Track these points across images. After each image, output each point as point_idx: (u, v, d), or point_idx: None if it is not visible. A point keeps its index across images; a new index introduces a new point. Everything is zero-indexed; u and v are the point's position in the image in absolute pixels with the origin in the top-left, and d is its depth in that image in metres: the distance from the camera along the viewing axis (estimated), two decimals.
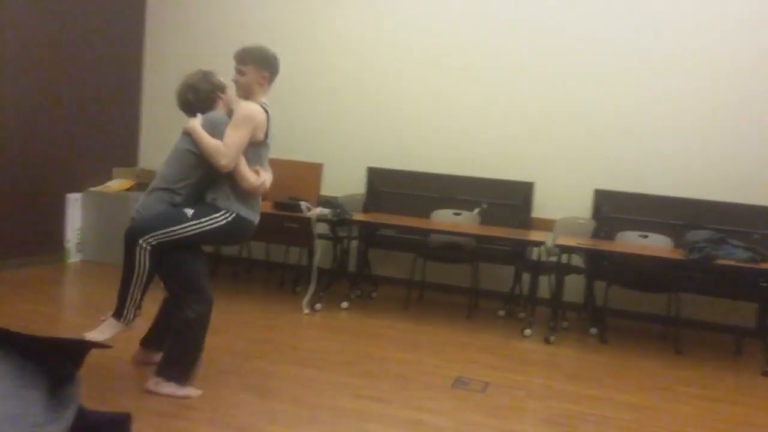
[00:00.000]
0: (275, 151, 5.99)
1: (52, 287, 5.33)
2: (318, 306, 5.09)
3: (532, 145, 5.81)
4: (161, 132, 6.72)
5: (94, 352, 1.79)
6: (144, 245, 3.08)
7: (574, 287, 5.39)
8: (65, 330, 4.33)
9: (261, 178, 3.30)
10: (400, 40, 6.11)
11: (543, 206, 5.71)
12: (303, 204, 5.22)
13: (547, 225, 5.37)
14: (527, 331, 4.87)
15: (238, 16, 6.52)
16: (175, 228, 3.10)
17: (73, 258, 6.05)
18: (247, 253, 6.34)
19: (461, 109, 5.99)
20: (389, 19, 6.14)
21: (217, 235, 3.23)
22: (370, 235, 5.77)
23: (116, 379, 3.35)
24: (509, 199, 5.72)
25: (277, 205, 5.29)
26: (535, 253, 5.35)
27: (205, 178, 3.24)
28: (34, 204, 5.68)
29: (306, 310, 5.00)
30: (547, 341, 4.72)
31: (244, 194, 3.24)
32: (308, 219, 5.12)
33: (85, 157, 6.17)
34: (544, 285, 5.31)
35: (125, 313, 3.21)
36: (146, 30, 6.79)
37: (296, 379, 3.56)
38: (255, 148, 3.30)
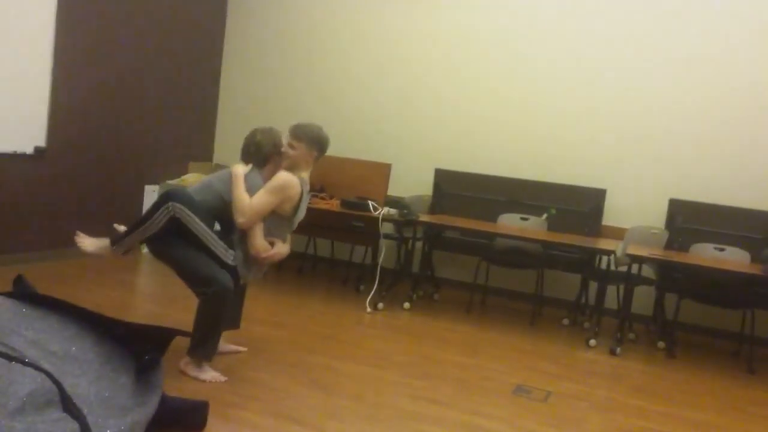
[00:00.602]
0: (346, 150, 6.15)
1: (126, 275, 5.55)
2: (380, 305, 5.12)
3: (605, 151, 5.68)
4: (236, 129, 6.90)
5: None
6: (171, 208, 3.19)
7: (643, 299, 5.24)
8: (136, 316, 4.51)
9: (272, 251, 3.43)
10: (471, 43, 6.08)
11: (614, 214, 5.58)
12: (370, 203, 5.27)
13: (617, 234, 5.25)
14: (592, 342, 4.77)
15: (316, 18, 6.63)
16: (199, 223, 3.23)
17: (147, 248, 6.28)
18: (313, 249, 6.44)
19: (532, 112, 5.91)
20: (461, 22, 6.12)
21: (210, 261, 3.30)
22: (435, 236, 5.77)
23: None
24: (579, 206, 5.61)
25: (345, 204, 5.36)
26: (603, 262, 5.24)
27: (219, 218, 3.42)
28: (114, 194, 5.94)
29: (368, 309, 5.05)
30: (612, 353, 4.61)
31: (250, 254, 3.39)
32: (375, 218, 5.17)
33: (163, 151, 6.41)
34: (612, 295, 5.19)
35: (119, 244, 3.44)
36: (226, 29, 6.99)
37: (357, 377, 3.60)
38: (279, 220, 3.42)
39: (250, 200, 3.30)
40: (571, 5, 5.79)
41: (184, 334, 1.68)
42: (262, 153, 3.54)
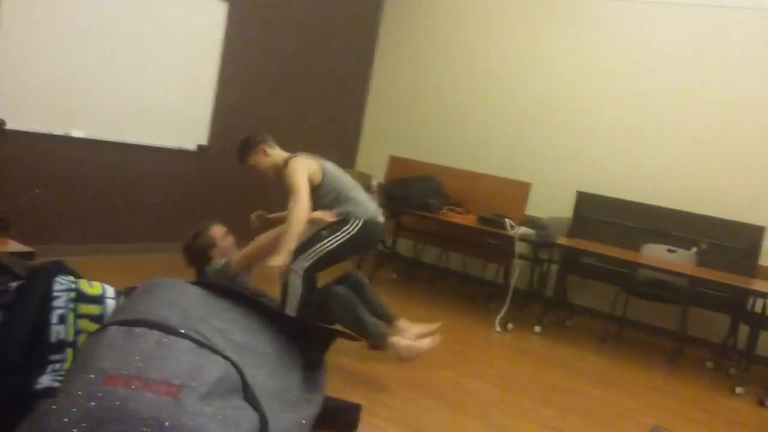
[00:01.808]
0: (486, 166, 6.13)
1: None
2: (510, 326, 5.05)
3: (766, 186, 5.26)
4: (379, 140, 7.11)
5: None
6: (296, 269, 3.47)
7: None
8: None
9: (318, 215, 3.64)
10: (620, 66, 5.87)
11: None
12: (507, 221, 5.21)
13: None
14: (739, 389, 4.42)
15: (464, 37, 6.68)
16: (316, 247, 3.51)
17: None
18: (445, 262, 6.47)
19: (683, 137, 5.60)
20: (613, 45, 5.92)
21: (354, 243, 3.58)
22: (571, 261, 5.60)
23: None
24: (733, 242, 5.24)
25: (481, 220, 5.34)
26: (758, 305, 4.85)
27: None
28: (260, 195, 6.29)
29: (498, 328, 4.99)
30: (761, 404, 4.25)
31: (362, 201, 3.69)
32: (511, 237, 5.10)
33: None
34: (764, 341, 4.79)
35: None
36: (378, 43, 7.21)
37: (485, 396, 3.57)
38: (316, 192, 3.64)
39: (293, 191, 3.51)
40: (734, 30, 5.43)
41: (347, 336, 1.76)
42: (199, 256, 3.82)
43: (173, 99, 5.31)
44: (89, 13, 4.63)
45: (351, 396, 3.21)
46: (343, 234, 3.56)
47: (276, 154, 3.79)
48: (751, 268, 5.15)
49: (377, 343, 3.50)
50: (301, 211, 3.44)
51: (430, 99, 6.86)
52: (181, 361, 1.52)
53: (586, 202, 5.87)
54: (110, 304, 2.30)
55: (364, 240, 3.66)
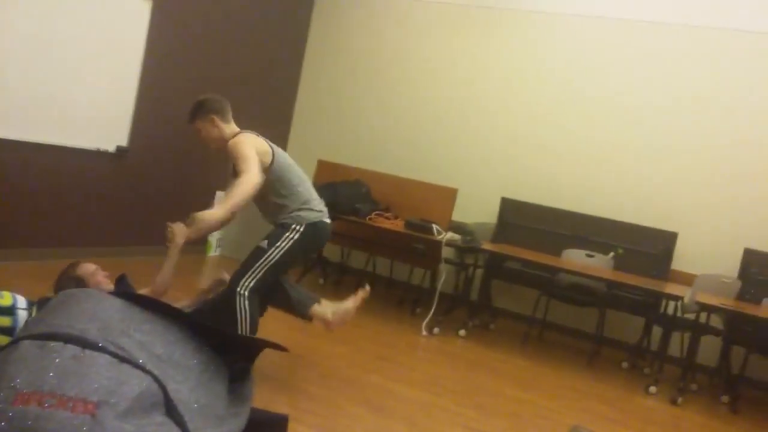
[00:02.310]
0: (414, 172, 6.19)
1: (191, 277, 5.70)
2: (436, 330, 5.11)
3: (680, 193, 5.54)
4: (308, 144, 7.06)
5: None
6: (242, 291, 3.30)
7: (709, 349, 5.06)
8: None
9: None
10: (545, 77, 6.05)
11: (685, 259, 5.42)
12: (434, 226, 5.27)
13: (686, 279, 5.10)
14: (652, 389, 4.62)
15: (392, 43, 6.73)
16: (259, 263, 3.32)
17: (214, 252, 6.45)
18: (372, 267, 6.48)
19: (603, 147, 5.83)
20: (530, 54, 6.10)
21: (299, 246, 3.38)
22: (496, 265, 5.73)
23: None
24: (648, 247, 5.48)
25: (409, 225, 5.38)
26: (670, 307, 5.09)
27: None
28: (186, 196, 6.14)
29: (424, 333, 5.04)
30: (673, 402, 4.46)
31: (307, 197, 3.45)
32: (437, 242, 5.17)
33: None
34: (676, 342, 5.03)
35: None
36: (306, 48, 7.16)
37: (411, 401, 3.59)
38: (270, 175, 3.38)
39: (240, 167, 3.25)
40: (646, 43, 5.69)
41: (274, 346, 1.72)
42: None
43: (92, 98, 5.10)
44: (2, 11, 4.39)
45: (277, 405, 3.17)
46: (285, 241, 3.35)
47: (226, 128, 3.46)
48: (664, 272, 5.40)
49: (301, 310, 3.54)
50: (252, 179, 3.14)
51: (358, 104, 6.87)
52: (100, 376, 1.45)
53: (509, 208, 6.01)
54: (22, 315, 2.19)
55: (309, 244, 3.47)
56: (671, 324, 4.96)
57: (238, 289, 3.30)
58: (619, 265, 5.40)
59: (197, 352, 1.65)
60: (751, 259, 5.19)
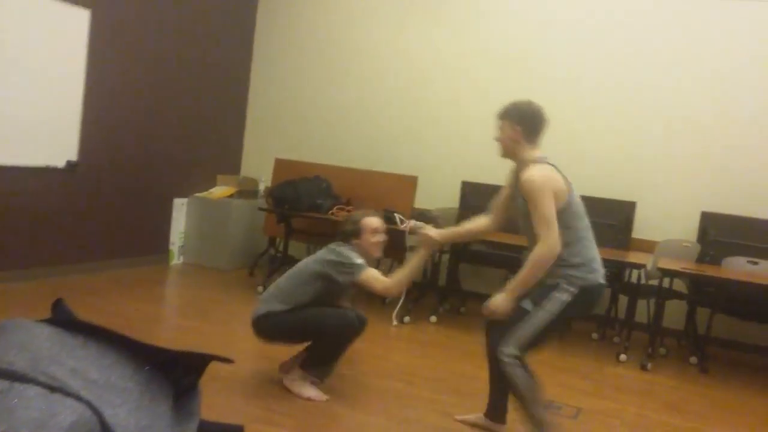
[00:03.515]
0: (372, 163, 6.16)
1: (156, 287, 5.61)
2: (407, 319, 5.11)
3: (635, 164, 5.62)
4: (264, 142, 6.98)
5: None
6: (505, 359, 2.87)
7: (674, 313, 5.15)
8: (167, 329, 4.56)
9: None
10: (497, 58, 6.07)
11: (645, 227, 5.51)
12: (397, 216, 5.26)
13: (648, 247, 5.18)
14: (622, 357, 4.70)
15: (342, 35, 6.67)
16: (524, 328, 2.85)
17: (177, 260, 6.35)
18: None
19: (558, 124, 5.85)
20: (487, 39, 6.11)
21: (569, 311, 2.85)
22: (461, 249, 5.74)
23: (219, 388, 3.48)
24: (608, 219, 5.54)
25: None
26: (634, 276, 5.17)
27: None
28: (144, 207, 6.02)
29: (395, 322, 5.03)
30: (643, 368, 4.53)
31: (590, 249, 2.91)
32: (401, 231, 5.15)
33: (192, 165, 6.48)
34: (642, 309, 5.12)
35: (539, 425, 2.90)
36: (254, 45, 7.06)
37: (385, 392, 3.59)
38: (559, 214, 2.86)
39: (536, 219, 2.83)
40: (598, 19, 5.75)
41: (221, 359, 1.68)
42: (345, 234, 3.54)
43: (35, 114, 4.95)
44: None
45: (250, 409, 3.13)
46: (555, 304, 2.82)
47: (526, 148, 3.00)
48: (626, 242, 5.48)
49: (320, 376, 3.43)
50: (549, 251, 2.74)
51: (311, 99, 6.81)
52: (30, 409, 1.39)
53: (471, 191, 6.03)
54: None
55: (581, 307, 2.92)
56: (636, 292, 5.04)
57: (500, 356, 2.88)
58: None
59: (136, 373, 1.60)
60: (708, 221, 5.30)
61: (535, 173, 2.85)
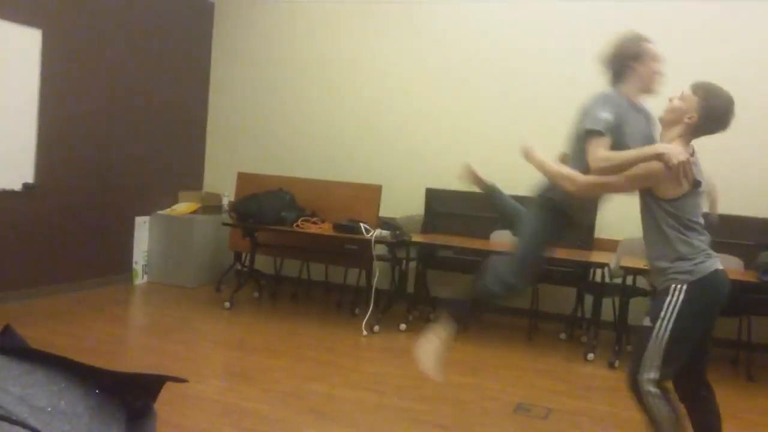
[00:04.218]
0: (336, 174, 6.15)
1: (120, 308, 5.51)
2: (377, 328, 5.10)
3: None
4: (226, 157, 6.92)
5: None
6: (645, 388, 2.51)
7: (639, 310, 5.23)
8: (132, 349, 4.48)
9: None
10: (456, 64, 6.12)
11: (607, 226, 5.58)
12: (362, 226, 5.26)
13: (611, 245, 5.25)
14: (590, 356, 4.75)
15: (301, 47, 6.67)
16: (648, 348, 2.50)
17: (141, 279, 6.25)
18: (307, 274, 6.42)
19: (522, 128, 5.94)
20: (448, 44, 6.16)
21: (694, 317, 2.48)
22: (428, 256, 5.76)
23: (187, 406, 3.43)
24: None
25: (337, 227, 5.35)
26: (598, 275, 5.24)
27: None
28: (105, 227, 5.91)
29: (365, 332, 5.02)
30: (611, 366, 4.59)
31: (700, 236, 2.53)
32: (368, 241, 5.16)
33: (154, 181, 6.39)
34: (608, 307, 5.19)
35: None
36: (212, 60, 7.02)
37: (356, 403, 3.57)
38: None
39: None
40: (559, 25, 5.84)
41: (175, 380, 1.65)
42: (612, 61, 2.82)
43: None
44: None
45: (218, 427, 3.09)
46: (669, 311, 2.47)
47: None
48: (589, 242, 5.55)
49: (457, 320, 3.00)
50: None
51: (272, 112, 6.78)
52: None
53: (435, 198, 6.05)
54: None
55: (706, 304, 2.51)
56: (601, 290, 5.10)
57: (640, 388, 2.53)
58: None
59: (86, 398, 1.56)
60: None
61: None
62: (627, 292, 4.88)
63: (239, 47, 6.91)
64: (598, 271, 5.22)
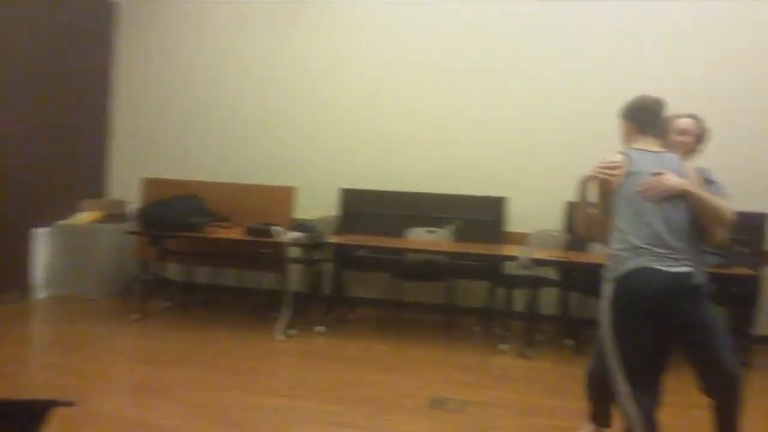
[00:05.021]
0: (248, 177, 6.04)
1: (19, 325, 5.19)
2: (293, 332, 5.03)
3: (503, 161, 5.84)
4: (131, 162, 6.66)
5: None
6: (619, 399, 2.58)
7: (549, 300, 5.40)
8: (34, 370, 4.23)
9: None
10: (368, 61, 6.13)
11: (516, 220, 5.74)
12: (275, 228, 5.18)
13: (520, 239, 5.38)
14: (503, 346, 4.86)
15: (207, 47, 6.50)
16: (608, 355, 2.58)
17: (41, 294, 5.92)
18: (220, 280, 6.27)
19: (431, 128, 6.01)
20: (356, 43, 6.16)
21: (620, 311, 2.56)
22: (344, 256, 5.74)
23: (96, 426, 3.27)
24: (482, 215, 5.74)
25: (250, 231, 5.24)
26: (509, 268, 5.36)
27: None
28: None
29: (281, 337, 4.94)
30: (523, 355, 4.71)
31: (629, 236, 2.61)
32: (282, 244, 5.08)
33: (52, 191, 6.06)
34: (519, 299, 5.32)
35: None
36: (115, 63, 6.74)
37: (272, 409, 3.50)
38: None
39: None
40: (466, 37, 5.93)
41: (62, 404, 1.55)
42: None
43: None
44: None
45: None
46: (604, 314, 2.59)
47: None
48: (499, 236, 5.68)
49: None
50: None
51: (179, 115, 6.58)
52: None
53: (350, 197, 6.04)
54: None
55: (635, 303, 2.55)
56: (512, 282, 5.23)
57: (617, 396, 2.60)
58: (459, 236, 5.61)
59: None
60: (573, 211, 5.59)
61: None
62: (537, 283, 5.02)
63: (144, 48, 6.67)
64: (509, 264, 5.35)
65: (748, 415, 2.72)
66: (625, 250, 2.58)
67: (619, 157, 2.68)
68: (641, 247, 2.55)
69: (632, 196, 2.62)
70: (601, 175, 2.67)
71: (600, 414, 3.05)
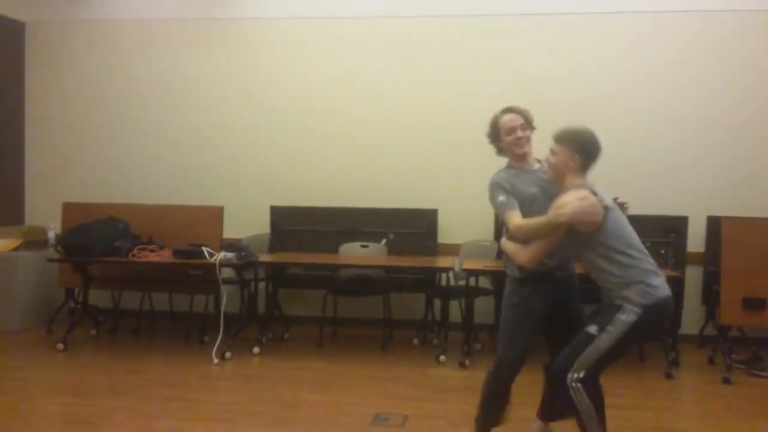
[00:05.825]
0: (173, 197, 5.87)
1: None
2: (228, 354, 4.90)
3: (432, 174, 5.90)
4: (49, 188, 6.37)
5: None
6: (573, 384, 2.78)
7: (485, 309, 5.46)
8: None
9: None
10: (295, 84, 6.08)
11: (448, 232, 5.78)
12: (205, 249, 5.05)
13: (453, 250, 5.44)
14: (442, 358, 4.88)
15: (123, 67, 6.30)
16: (587, 350, 2.76)
17: None
18: (149, 305, 6.05)
19: (360, 142, 6.02)
20: (280, 62, 6.11)
21: (638, 334, 2.81)
22: (278, 275, 5.65)
23: None
24: (414, 228, 5.76)
25: (177, 253, 5.10)
26: (444, 279, 5.40)
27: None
28: None
29: (215, 360, 4.80)
30: (462, 365, 4.74)
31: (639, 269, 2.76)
32: (212, 264, 4.95)
33: None
34: (455, 309, 5.36)
35: None
36: (26, 83, 6.45)
37: None
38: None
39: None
40: (390, 52, 5.97)
41: None
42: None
43: None
44: None
45: None
46: (619, 326, 2.73)
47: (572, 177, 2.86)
48: (433, 248, 5.72)
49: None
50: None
51: (98, 136, 6.34)
52: None
53: (280, 215, 5.96)
54: None
55: (650, 327, 2.89)
56: (448, 294, 5.27)
57: (568, 381, 2.79)
58: (392, 249, 5.62)
59: None
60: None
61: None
62: (471, 293, 5.07)
63: (56, 69, 6.41)
64: (444, 275, 5.39)
65: (684, 413, 2.81)
66: (649, 273, 2.76)
67: (593, 199, 2.75)
68: (655, 272, 2.79)
69: (621, 227, 2.81)
70: (587, 219, 2.73)
71: (553, 408, 3.14)
